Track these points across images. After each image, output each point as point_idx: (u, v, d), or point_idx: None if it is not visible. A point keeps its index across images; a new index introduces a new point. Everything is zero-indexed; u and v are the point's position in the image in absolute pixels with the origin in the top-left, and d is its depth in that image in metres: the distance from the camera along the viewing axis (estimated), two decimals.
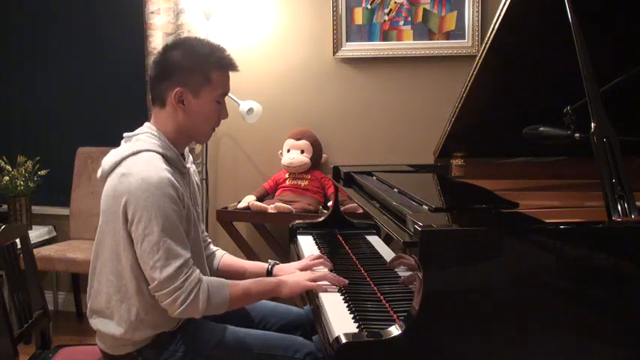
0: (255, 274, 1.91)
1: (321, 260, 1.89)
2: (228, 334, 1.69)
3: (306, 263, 1.88)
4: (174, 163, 1.67)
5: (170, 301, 1.56)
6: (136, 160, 1.61)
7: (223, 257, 1.99)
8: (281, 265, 1.95)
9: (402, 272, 1.76)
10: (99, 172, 1.71)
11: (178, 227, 1.58)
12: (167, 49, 1.69)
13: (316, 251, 2.09)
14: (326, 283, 1.69)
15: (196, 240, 1.71)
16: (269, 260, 1.97)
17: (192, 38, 1.75)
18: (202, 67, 1.65)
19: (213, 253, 2.00)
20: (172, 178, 1.58)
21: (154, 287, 1.57)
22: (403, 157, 3.08)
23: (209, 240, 2.02)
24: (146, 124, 1.73)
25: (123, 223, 1.58)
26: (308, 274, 1.75)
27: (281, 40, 3.39)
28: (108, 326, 1.66)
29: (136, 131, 1.72)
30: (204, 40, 1.73)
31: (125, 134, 1.73)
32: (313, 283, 1.69)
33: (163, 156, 1.64)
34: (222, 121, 1.77)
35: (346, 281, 1.68)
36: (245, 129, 3.40)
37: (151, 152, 1.62)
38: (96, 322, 1.70)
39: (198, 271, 1.60)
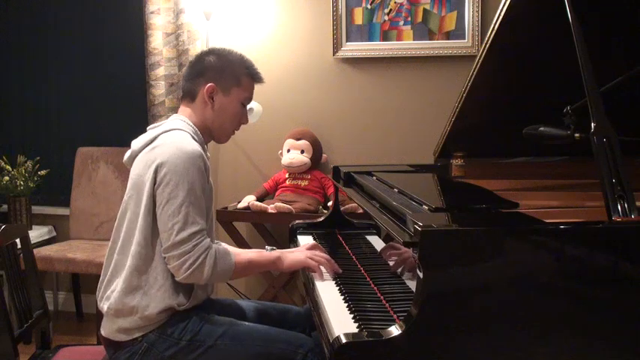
0: None
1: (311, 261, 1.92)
2: (233, 327, 1.73)
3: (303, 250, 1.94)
4: (200, 145, 1.77)
5: (178, 263, 1.64)
6: (168, 135, 1.73)
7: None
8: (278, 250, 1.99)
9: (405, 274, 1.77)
10: (126, 155, 1.81)
11: (201, 197, 1.68)
12: (203, 54, 1.87)
13: None
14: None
15: (210, 224, 1.78)
16: (266, 247, 2.02)
17: (227, 49, 1.89)
18: (234, 70, 1.83)
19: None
20: (203, 153, 1.71)
21: (165, 248, 1.65)
22: (403, 157, 3.09)
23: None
24: (174, 115, 1.85)
25: (150, 186, 1.66)
26: (308, 253, 1.83)
27: (281, 40, 3.39)
28: (118, 297, 1.69)
29: (161, 122, 1.83)
30: (240, 54, 1.89)
31: (150, 126, 1.83)
32: (311, 262, 1.78)
33: (192, 137, 1.75)
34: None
35: (340, 270, 1.77)
36: (245, 129, 3.37)
37: (182, 131, 1.74)
38: (106, 302, 1.72)
39: (209, 239, 1.69)
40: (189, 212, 1.64)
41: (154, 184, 1.66)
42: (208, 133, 1.85)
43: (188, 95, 1.83)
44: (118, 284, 1.70)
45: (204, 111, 1.81)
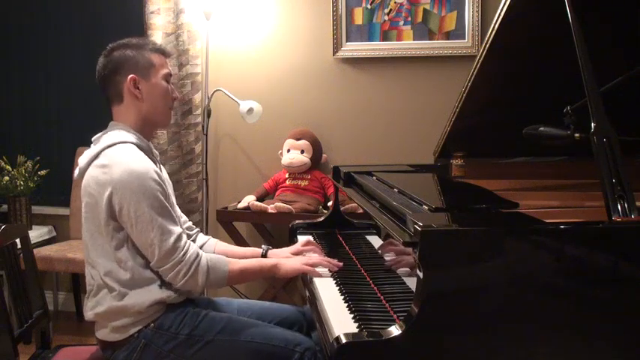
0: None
1: (312, 247, 1.98)
2: (232, 323, 1.74)
3: (298, 248, 1.98)
4: (147, 152, 1.77)
5: (173, 275, 1.68)
6: (114, 151, 1.71)
7: (217, 245, 2.07)
8: (274, 250, 2.03)
9: (403, 273, 1.77)
10: (75, 172, 1.82)
11: (166, 205, 1.69)
12: (107, 53, 1.83)
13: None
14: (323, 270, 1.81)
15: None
16: (262, 245, 2.04)
17: (123, 40, 1.88)
18: (143, 54, 1.82)
19: (206, 242, 2.07)
20: (153, 164, 1.71)
21: (155, 264, 1.68)
22: (403, 157, 3.09)
23: (197, 229, 2.09)
24: (110, 123, 1.84)
25: (107, 213, 1.67)
26: (304, 259, 1.86)
27: (281, 40, 3.39)
28: (107, 305, 1.70)
29: (103, 132, 1.82)
30: (134, 37, 1.89)
31: (94, 138, 1.82)
32: (308, 267, 1.81)
33: (137, 146, 1.75)
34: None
35: (340, 264, 1.83)
36: (245, 129, 3.40)
37: (126, 143, 1.73)
38: (93, 310, 1.73)
39: (195, 245, 1.72)
40: (162, 223, 1.66)
41: (112, 211, 1.67)
42: (150, 125, 1.84)
43: (115, 98, 1.82)
44: (105, 296, 1.71)
45: (135, 104, 1.80)
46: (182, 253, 1.67)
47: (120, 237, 1.69)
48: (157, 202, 1.66)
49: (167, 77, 1.85)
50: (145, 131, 1.83)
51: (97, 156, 1.72)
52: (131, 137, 1.76)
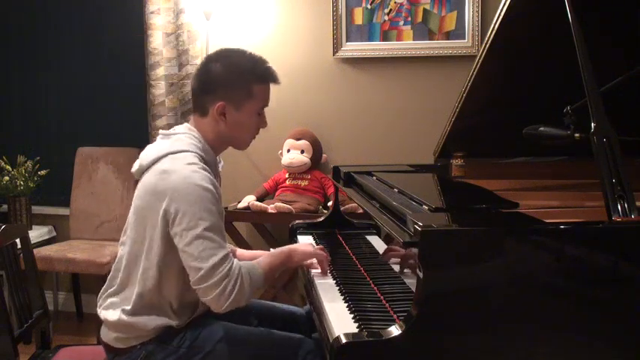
0: None
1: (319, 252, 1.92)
2: (232, 331, 1.71)
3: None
4: (210, 165, 1.70)
5: (219, 291, 1.55)
6: (176, 158, 1.63)
7: (237, 253, 2.04)
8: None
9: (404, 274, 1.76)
10: (135, 167, 1.73)
11: (219, 222, 1.61)
12: (209, 60, 1.73)
13: None
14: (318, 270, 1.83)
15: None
16: (271, 249, 2.00)
17: (234, 50, 1.76)
18: (245, 82, 1.70)
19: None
20: (212, 178, 1.63)
21: (199, 278, 1.55)
22: (403, 157, 3.08)
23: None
24: (186, 124, 1.76)
25: (162, 220, 1.59)
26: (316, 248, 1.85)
27: (281, 40, 3.39)
28: (118, 316, 1.67)
29: (175, 129, 1.75)
30: (246, 52, 1.75)
31: (162, 131, 1.76)
32: (321, 253, 1.82)
33: (201, 158, 1.67)
34: None
35: (325, 254, 1.84)
36: None
37: (190, 153, 1.65)
38: (106, 312, 1.71)
39: (235, 260, 1.62)
40: (213, 238, 1.56)
41: (166, 221, 1.58)
42: (225, 144, 1.78)
43: (199, 110, 1.73)
44: (121, 304, 1.68)
45: (217, 126, 1.71)
46: (228, 267, 1.56)
47: (162, 258, 1.62)
48: (211, 218, 1.57)
49: (261, 110, 1.76)
50: (217, 147, 1.76)
51: (159, 159, 1.65)
52: (198, 147, 1.68)
